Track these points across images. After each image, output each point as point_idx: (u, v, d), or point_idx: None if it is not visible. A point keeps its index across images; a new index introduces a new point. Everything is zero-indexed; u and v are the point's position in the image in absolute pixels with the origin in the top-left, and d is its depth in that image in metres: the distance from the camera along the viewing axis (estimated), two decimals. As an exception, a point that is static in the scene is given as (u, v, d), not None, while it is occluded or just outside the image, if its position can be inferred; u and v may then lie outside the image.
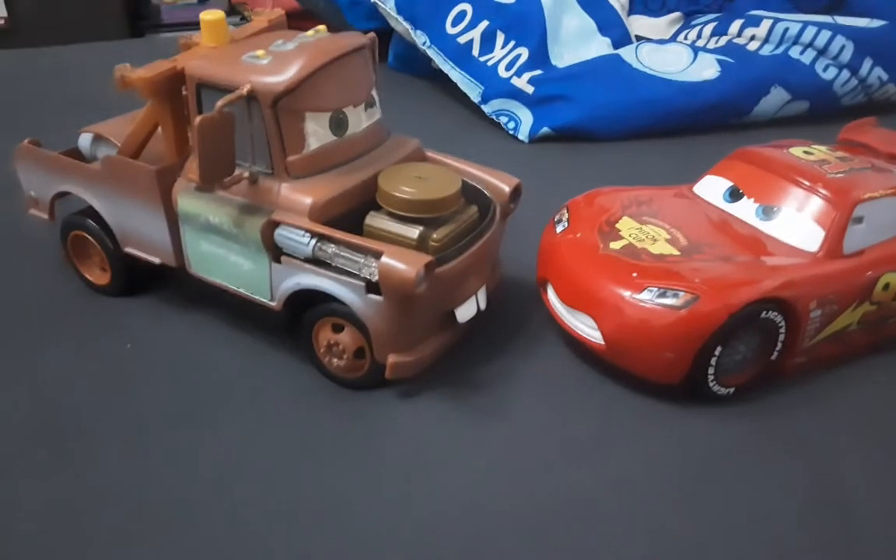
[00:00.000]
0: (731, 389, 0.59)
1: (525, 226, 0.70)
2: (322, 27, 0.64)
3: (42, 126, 0.81)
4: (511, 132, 1.10)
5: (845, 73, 1.13)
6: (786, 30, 1.14)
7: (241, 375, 0.61)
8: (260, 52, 0.58)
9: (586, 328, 0.61)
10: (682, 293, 0.56)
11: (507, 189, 0.65)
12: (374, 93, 0.63)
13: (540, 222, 0.70)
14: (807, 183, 0.63)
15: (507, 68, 1.14)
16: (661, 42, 1.22)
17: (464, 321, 0.60)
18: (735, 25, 1.20)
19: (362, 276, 0.54)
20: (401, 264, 0.52)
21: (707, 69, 1.12)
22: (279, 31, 0.66)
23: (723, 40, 1.20)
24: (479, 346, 0.64)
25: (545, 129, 1.09)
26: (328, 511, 0.50)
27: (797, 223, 0.62)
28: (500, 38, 1.16)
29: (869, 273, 0.60)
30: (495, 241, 0.64)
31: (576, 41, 1.20)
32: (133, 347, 0.64)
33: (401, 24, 1.20)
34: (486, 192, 0.65)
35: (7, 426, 0.56)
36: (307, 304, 0.59)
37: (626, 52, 1.16)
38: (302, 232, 0.56)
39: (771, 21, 1.16)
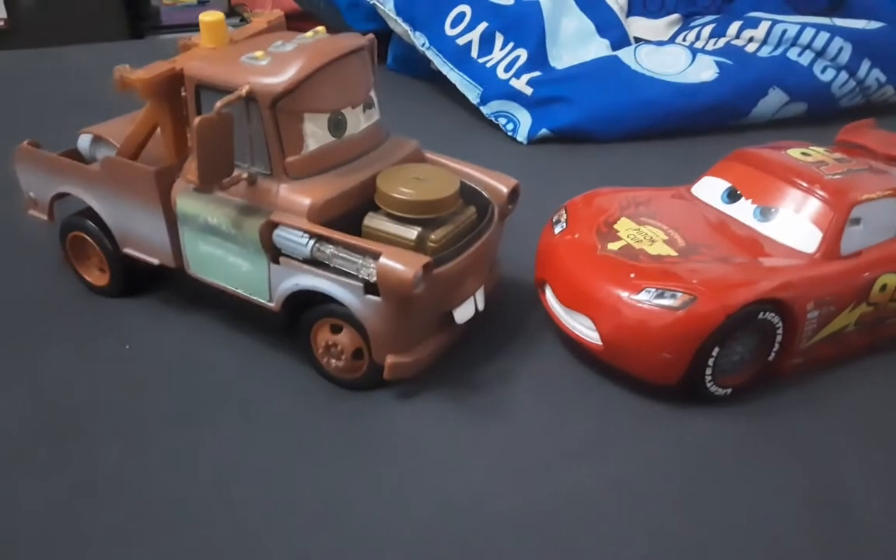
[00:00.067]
0: (729, 390, 0.59)
1: (523, 227, 0.70)
2: (321, 28, 0.64)
3: (42, 127, 0.81)
4: (510, 133, 1.11)
5: (843, 75, 1.13)
6: (784, 31, 1.15)
7: (239, 376, 0.61)
8: (259, 54, 0.58)
9: (584, 329, 0.61)
10: (679, 294, 0.56)
11: (505, 190, 0.65)
12: (372, 94, 0.63)
13: (538, 223, 0.70)
14: (804, 184, 0.63)
15: (506, 70, 1.14)
16: (660, 44, 1.23)
17: (462, 322, 0.60)
18: (733, 27, 1.20)
19: (361, 276, 0.54)
20: (399, 265, 0.53)
21: (705, 71, 1.13)
22: (278, 32, 0.66)
23: (721, 42, 1.21)
24: (478, 346, 0.64)
25: (544, 131, 1.09)
26: (327, 511, 0.50)
27: (795, 224, 0.62)
28: (499, 39, 1.16)
29: (866, 274, 0.61)
30: (493, 241, 0.64)
31: (574, 43, 1.20)
32: (132, 348, 0.64)
33: (400, 26, 1.20)
34: (484, 193, 0.65)
35: (6, 427, 0.56)
36: (306, 305, 0.59)
37: (625, 54, 1.17)
38: (300, 233, 0.56)
39: (769, 23, 1.16)
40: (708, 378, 0.58)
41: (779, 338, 0.58)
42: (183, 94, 0.60)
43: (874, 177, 0.65)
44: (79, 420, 0.57)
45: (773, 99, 1.12)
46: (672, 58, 1.16)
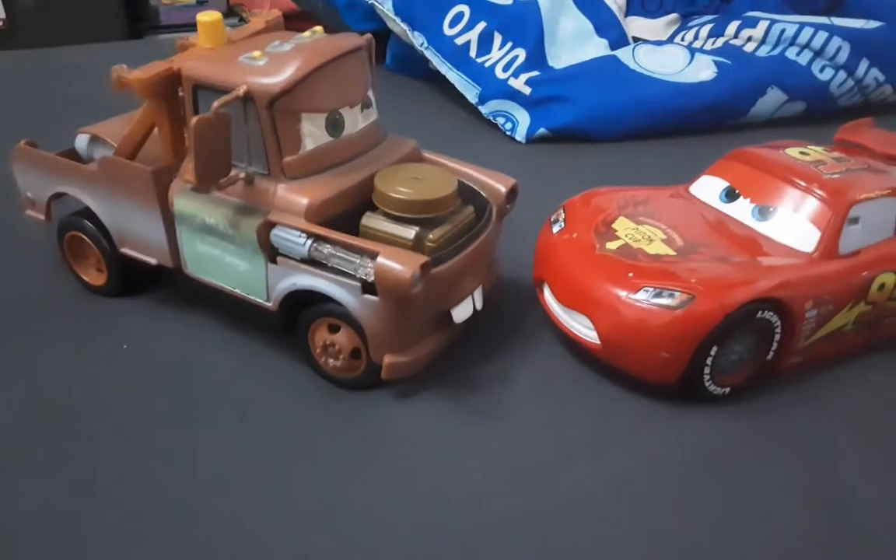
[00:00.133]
0: (727, 389, 0.59)
1: (521, 226, 0.70)
2: (319, 28, 0.64)
3: (40, 127, 0.81)
4: (508, 133, 1.11)
5: (842, 74, 1.13)
6: (782, 31, 1.15)
7: (237, 376, 0.61)
8: (256, 54, 0.58)
9: (583, 328, 0.61)
10: (678, 293, 0.56)
11: (503, 189, 0.65)
12: (370, 94, 0.63)
13: (536, 222, 0.70)
14: (803, 183, 0.63)
15: (505, 69, 1.14)
16: (658, 43, 1.23)
17: (460, 321, 0.60)
18: (732, 27, 1.20)
19: (358, 276, 0.54)
20: (397, 265, 0.53)
21: (704, 70, 1.12)
22: (276, 32, 0.66)
23: (719, 41, 1.20)
24: (476, 346, 0.64)
25: (542, 130, 1.09)
26: (325, 511, 0.50)
27: (793, 223, 0.62)
28: (498, 39, 1.16)
29: (864, 273, 0.61)
30: (491, 241, 0.64)
31: (573, 42, 1.20)
32: (129, 348, 0.64)
33: (398, 26, 1.20)
34: (482, 192, 0.65)
35: (4, 426, 0.56)
36: (303, 305, 0.59)
37: (624, 54, 1.17)
38: (298, 232, 0.56)
39: (767, 22, 1.16)
40: (706, 377, 0.58)
41: (777, 337, 0.58)
42: (180, 93, 0.60)
43: (872, 176, 0.65)
44: (77, 420, 0.57)
45: (772, 98, 1.12)
46: (670, 57, 1.16)
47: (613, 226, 0.65)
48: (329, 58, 0.58)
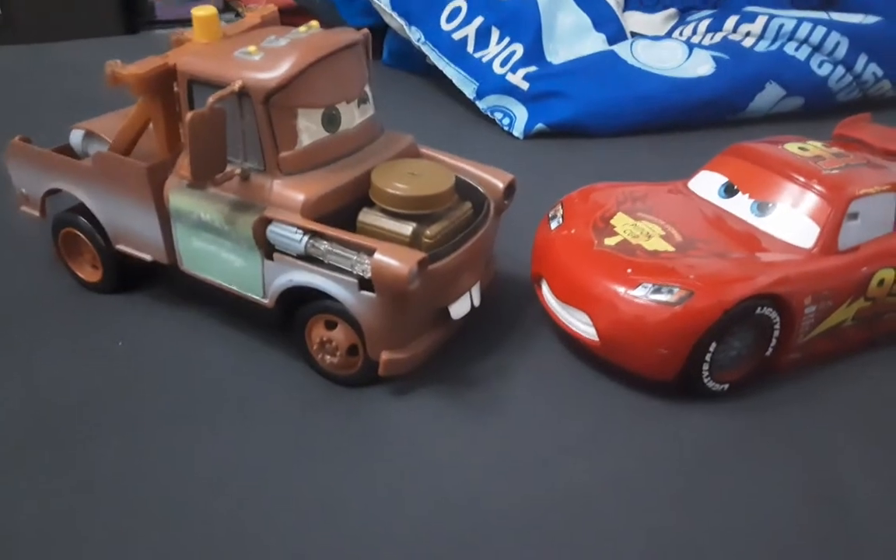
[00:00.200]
0: (726, 386, 0.59)
1: (519, 222, 0.70)
2: (315, 23, 0.63)
3: (34, 122, 0.81)
4: (506, 128, 1.10)
5: (840, 70, 1.13)
6: (781, 26, 1.14)
7: (234, 373, 0.61)
8: (252, 48, 0.57)
9: (581, 324, 0.61)
10: (676, 289, 0.56)
11: (501, 185, 0.64)
12: (367, 89, 0.63)
13: (534, 218, 0.70)
14: (802, 179, 0.63)
15: (502, 65, 1.13)
16: (656, 38, 1.22)
17: (458, 318, 0.60)
18: (730, 22, 1.20)
19: (355, 272, 0.54)
20: (394, 261, 0.52)
21: (702, 65, 1.12)
22: (272, 27, 0.66)
23: (718, 37, 1.20)
24: (474, 342, 0.64)
25: (540, 126, 1.08)
26: (323, 508, 0.50)
27: (792, 219, 0.61)
28: (495, 34, 1.16)
29: (864, 269, 0.60)
30: (489, 237, 0.63)
31: (571, 37, 1.19)
32: (125, 345, 0.64)
33: (395, 21, 1.20)
34: (480, 188, 0.64)
35: (0, 424, 0.56)
36: (300, 301, 0.58)
37: (622, 49, 1.16)
38: (294, 229, 0.55)
39: (766, 17, 1.16)
40: (705, 373, 0.57)
41: (776, 333, 0.58)
42: (175, 89, 0.60)
43: (872, 171, 0.64)
44: (74, 417, 0.56)
45: (770, 93, 1.12)
46: (669, 52, 1.15)
47: (612, 222, 0.64)
48: (325, 53, 0.58)
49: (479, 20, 1.16)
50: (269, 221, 0.56)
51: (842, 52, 1.12)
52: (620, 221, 0.64)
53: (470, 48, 1.16)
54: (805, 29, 1.13)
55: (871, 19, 1.16)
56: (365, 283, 0.54)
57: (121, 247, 0.66)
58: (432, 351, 0.60)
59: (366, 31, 0.63)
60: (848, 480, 0.52)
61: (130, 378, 0.60)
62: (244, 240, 0.58)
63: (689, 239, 0.61)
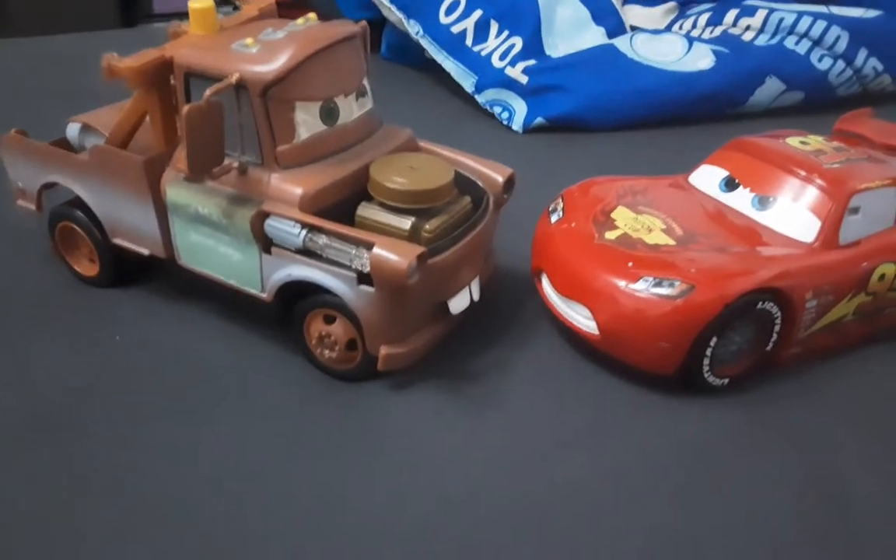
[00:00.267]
0: (726, 380, 0.59)
1: (519, 216, 0.69)
2: (312, 15, 0.63)
3: (30, 115, 0.80)
4: (505, 122, 1.10)
5: (840, 64, 1.13)
6: (781, 20, 1.14)
7: (232, 368, 0.61)
8: (249, 41, 0.57)
9: (581, 318, 0.60)
10: (677, 283, 0.55)
11: (500, 179, 0.64)
12: (365, 82, 0.62)
13: (534, 212, 0.69)
14: (803, 173, 0.62)
15: (501, 58, 1.13)
16: (656, 32, 1.22)
17: (457, 312, 0.60)
18: (730, 15, 1.19)
19: (354, 267, 0.54)
20: (392, 255, 0.52)
21: (702, 59, 1.12)
22: (269, 19, 0.65)
23: (718, 30, 1.20)
24: (473, 336, 0.64)
25: (539, 120, 1.08)
26: (322, 505, 0.49)
27: (793, 213, 0.61)
28: (494, 27, 1.15)
29: (865, 263, 0.60)
30: (489, 231, 0.63)
31: (570, 31, 1.19)
32: (123, 340, 0.63)
33: (394, 14, 1.19)
34: (479, 182, 0.64)
35: (-5, 420, 0.55)
36: (298, 296, 0.58)
37: (621, 42, 1.16)
38: (292, 222, 0.55)
39: (766, 11, 1.16)
40: (705, 368, 0.57)
41: (777, 327, 0.58)
42: (172, 82, 0.59)
43: (873, 166, 0.64)
44: (71, 412, 0.56)
45: (770, 88, 1.12)
46: (668, 46, 1.15)
47: (612, 215, 0.64)
48: (323, 45, 0.57)
49: (477, 13, 1.15)
50: (266, 215, 0.56)
51: (842, 46, 1.12)
52: (621, 215, 0.64)
53: (469, 41, 1.15)
54: (805, 23, 1.12)
55: (871, 13, 1.16)
56: (364, 278, 0.54)
57: (118, 241, 0.66)
58: (431, 345, 0.60)
59: (364, 23, 0.63)
60: (848, 475, 0.52)
61: (128, 373, 0.60)
62: (242, 234, 0.57)
63: (689, 233, 0.61)
